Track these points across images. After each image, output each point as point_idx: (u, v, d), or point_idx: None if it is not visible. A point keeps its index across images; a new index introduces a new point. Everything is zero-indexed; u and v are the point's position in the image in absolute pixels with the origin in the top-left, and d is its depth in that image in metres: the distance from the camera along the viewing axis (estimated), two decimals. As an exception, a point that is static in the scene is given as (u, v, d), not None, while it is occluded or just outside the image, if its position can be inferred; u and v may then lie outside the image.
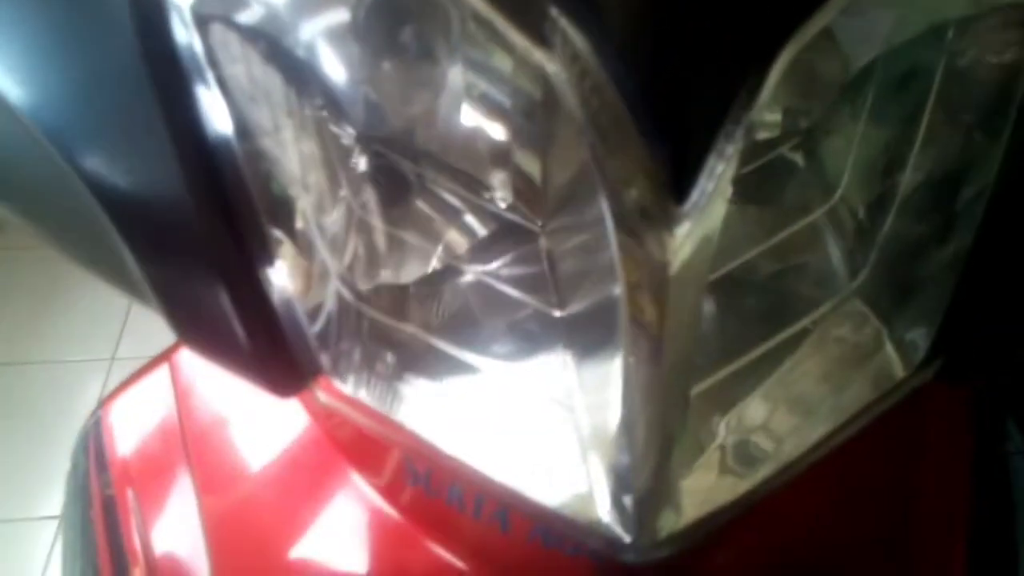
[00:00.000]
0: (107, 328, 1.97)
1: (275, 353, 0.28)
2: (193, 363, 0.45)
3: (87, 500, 0.44)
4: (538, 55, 0.22)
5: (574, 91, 0.22)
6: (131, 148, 0.27)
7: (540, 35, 0.22)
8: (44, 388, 1.83)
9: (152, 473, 0.42)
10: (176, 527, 0.41)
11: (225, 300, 0.27)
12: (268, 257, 0.28)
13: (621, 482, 0.27)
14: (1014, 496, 0.46)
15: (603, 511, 0.28)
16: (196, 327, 0.29)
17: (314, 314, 0.29)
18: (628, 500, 0.27)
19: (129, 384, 0.46)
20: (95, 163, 0.27)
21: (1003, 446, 0.48)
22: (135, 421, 0.44)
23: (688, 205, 0.22)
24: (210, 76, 0.27)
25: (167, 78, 0.26)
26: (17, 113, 0.27)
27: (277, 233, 0.29)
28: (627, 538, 0.27)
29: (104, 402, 0.47)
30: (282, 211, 0.29)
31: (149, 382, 0.45)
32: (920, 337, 0.30)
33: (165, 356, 0.46)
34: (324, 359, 0.29)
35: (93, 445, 0.45)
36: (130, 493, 0.43)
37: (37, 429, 1.74)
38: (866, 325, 0.30)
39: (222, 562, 0.39)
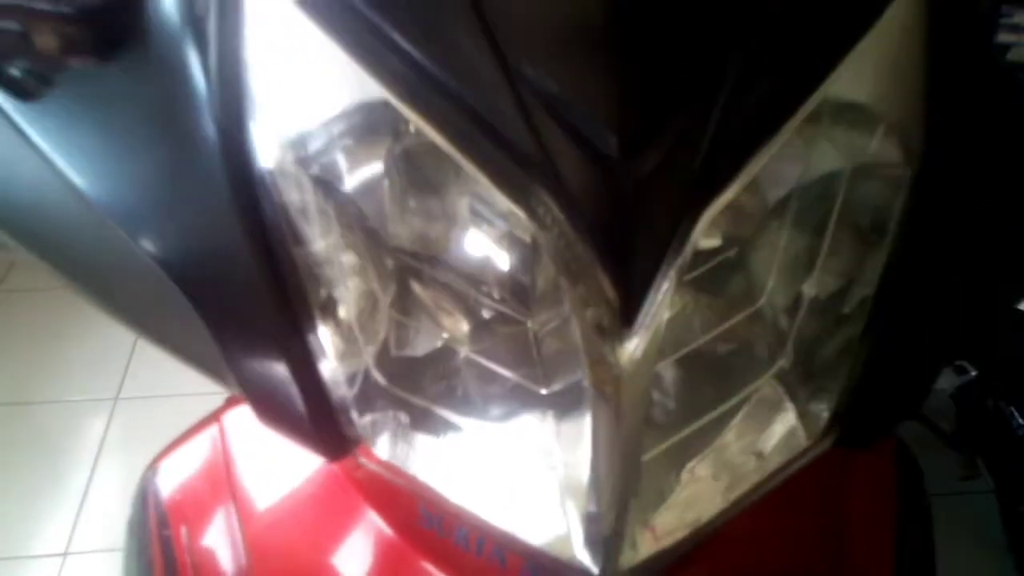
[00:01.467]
0: (111, 368, 2.01)
1: (327, 426, 0.37)
2: (238, 424, 0.53)
3: (147, 539, 0.51)
4: (527, 220, 0.31)
5: (551, 246, 0.31)
6: (218, 258, 0.36)
7: (529, 208, 0.31)
8: (49, 427, 1.86)
9: (203, 514, 0.50)
10: (224, 560, 0.49)
11: (292, 384, 0.36)
12: (321, 348, 0.37)
13: (590, 526, 0.35)
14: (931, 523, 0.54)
15: (577, 549, 0.36)
16: (268, 408, 0.37)
17: (354, 394, 0.37)
18: (595, 541, 0.35)
19: (183, 440, 0.54)
20: (191, 271, 0.35)
21: (922, 485, 0.56)
22: (188, 471, 0.52)
23: (635, 326, 0.31)
24: (278, 205, 0.35)
25: (248, 203, 0.35)
26: (121, 229, 0.36)
27: (325, 328, 0.37)
28: (595, 570, 0.36)
29: (160, 455, 0.55)
30: (329, 310, 0.37)
31: (201, 438, 0.53)
32: (820, 413, 0.38)
33: (214, 417, 0.54)
34: (363, 430, 0.37)
35: (151, 491, 0.53)
36: (184, 531, 0.50)
37: (42, 468, 1.78)
38: (780, 404, 0.39)
39: (266, 590, 0.47)
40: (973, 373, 1.17)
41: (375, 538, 0.46)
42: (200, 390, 1.84)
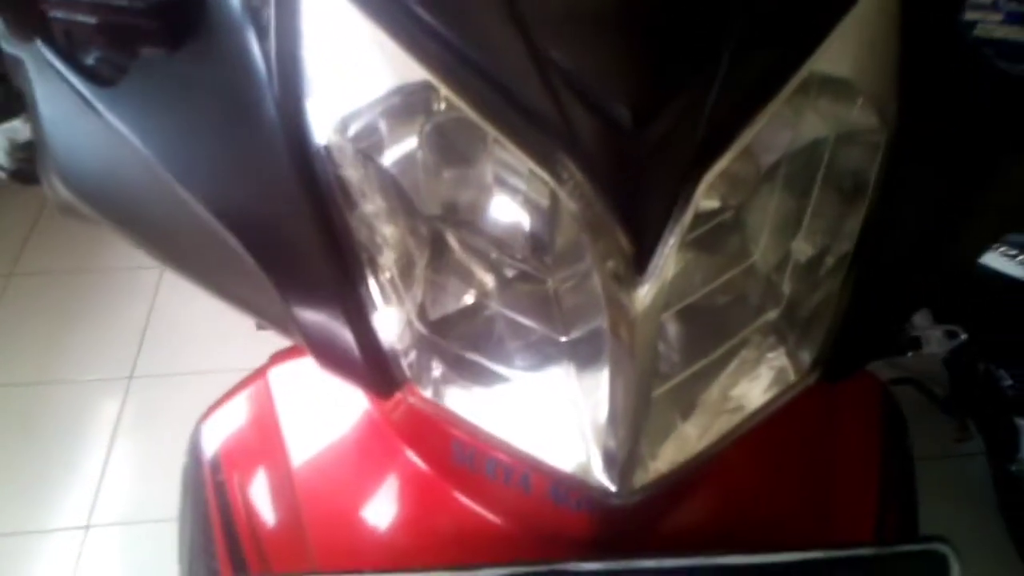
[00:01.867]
0: (124, 348, 2.05)
1: (377, 368, 0.42)
2: (283, 378, 0.58)
3: (201, 486, 0.57)
4: (551, 181, 0.36)
5: (573, 205, 0.36)
6: (281, 223, 0.41)
7: (554, 170, 0.36)
8: (64, 407, 1.90)
9: (254, 460, 0.56)
10: (275, 500, 0.54)
11: (347, 331, 0.41)
12: (372, 299, 0.42)
13: (608, 452, 0.41)
14: (913, 468, 0.60)
15: (597, 472, 0.42)
16: (324, 348, 0.42)
17: (400, 338, 0.42)
18: (612, 464, 0.41)
19: (232, 394, 0.60)
20: (258, 235, 0.40)
21: (907, 438, 0.62)
22: (238, 421, 0.58)
23: (646, 275, 0.36)
24: (331, 175, 0.40)
25: (305, 174, 0.40)
26: (195, 199, 0.41)
27: (374, 282, 0.42)
28: (613, 488, 0.41)
29: (211, 408, 0.60)
30: (377, 267, 0.42)
31: (250, 391, 0.58)
32: (806, 353, 0.43)
33: (260, 373, 0.60)
34: (409, 371, 0.42)
35: (204, 441, 0.58)
36: (236, 476, 0.56)
37: (59, 446, 1.83)
38: (771, 345, 0.44)
39: (315, 525, 0.52)
40: (963, 337, 1.23)
41: (412, 475, 0.51)
42: (212, 367, 1.89)
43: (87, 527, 1.69)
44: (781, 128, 0.41)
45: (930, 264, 0.44)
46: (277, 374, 0.58)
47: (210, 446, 0.58)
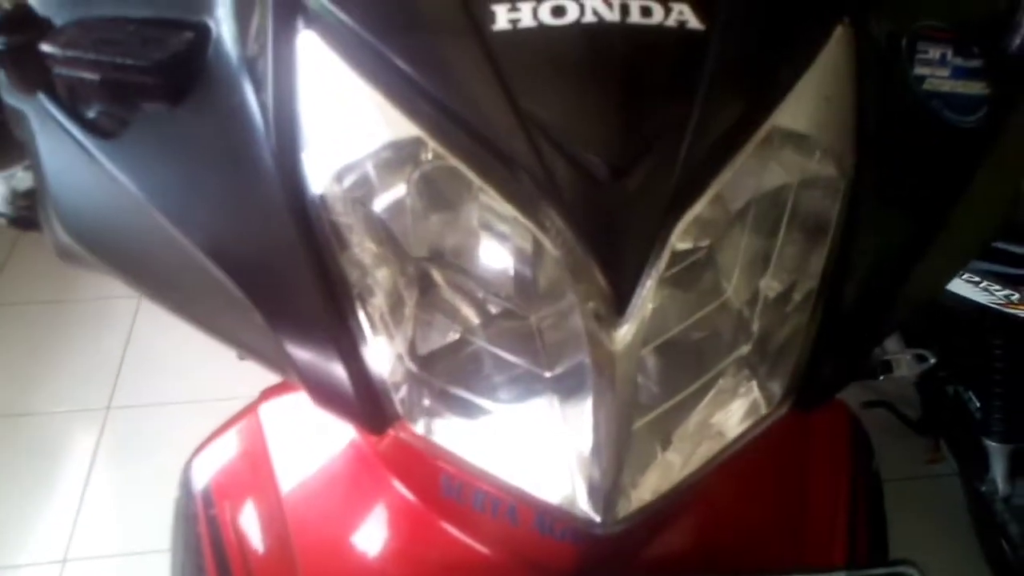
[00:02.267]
0: (101, 379, 2.04)
1: (370, 405, 0.44)
2: (274, 413, 0.60)
3: (193, 520, 0.58)
4: (534, 229, 0.39)
5: (556, 251, 0.38)
6: (278, 268, 0.42)
7: (537, 219, 0.39)
8: (42, 438, 1.89)
9: (245, 493, 0.57)
10: (266, 532, 0.56)
11: (340, 369, 0.43)
12: (364, 339, 0.44)
13: (592, 483, 0.43)
14: (882, 491, 0.63)
15: (582, 503, 0.44)
16: (319, 387, 0.44)
17: (391, 375, 0.44)
18: (597, 495, 0.43)
19: (224, 429, 0.61)
20: (255, 280, 0.42)
21: (873, 462, 0.65)
22: (230, 455, 0.59)
23: (626, 315, 0.39)
24: (326, 222, 0.42)
25: (301, 221, 0.42)
26: (194, 246, 0.42)
27: (366, 322, 0.44)
28: (597, 518, 0.43)
29: (203, 443, 0.61)
30: (369, 307, 0.44)
31: (241, 426, 0.60)
32: (777, 385, 0.46)
33: (251, 409, 0.61)
34: (400, 407, 0.44)
35: (196, 475, 0.60)
36: (228, 509, 0.57)
37: (36, 477, 1.81)
38: (744, 379, 0.47)
39: (305, 555, 0.54)
40: (932, 361, 1.26)
41: (400, 507, 0.53)
42: (191, 397, 1.88)
43: (64, 561, 1.68)
44: (748, 176, 0.43)
45: (890, 297, 0.47)
46: (267, 409, 0.60)
47: (202, 480, 0.59)
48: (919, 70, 0.48)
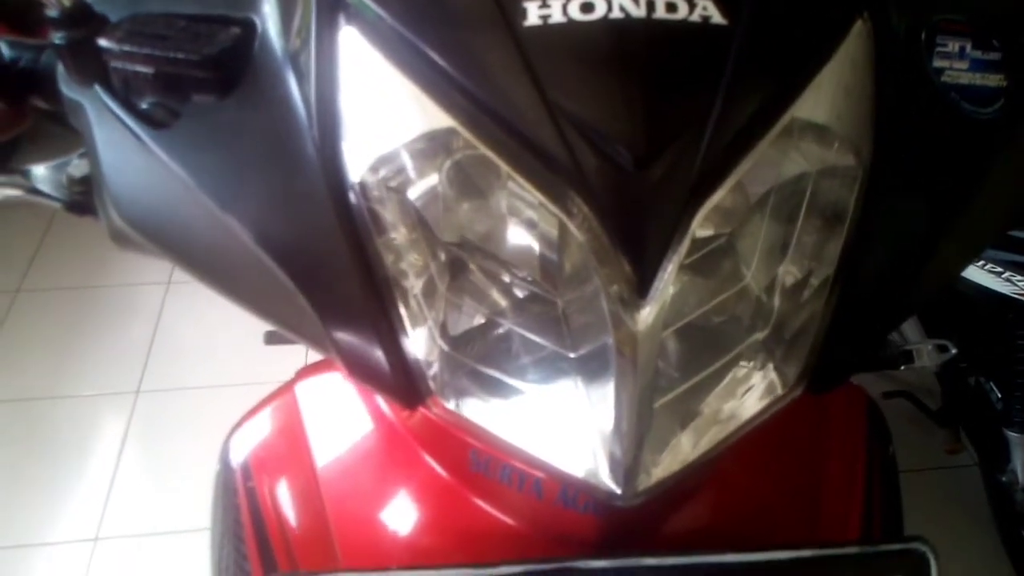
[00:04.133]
0: (130, 363, 2.09)
1: (405, 381, 0.46)
2: (310, 391, 0.63)
3: (233, 492, 0.61)
4: (562, 215, 0.41)
5: (582, 237, 0.41)
6: (320, 251, 0.45)
7: (564, 206, 0.41)
8: (73, 421, 1.94)
9: (283, 467, 0.60)
10: (302, 504, 0.59)
11: (377, 347, 0.45)
12: (400, 319, 0.46)
13: (614, 458, 0.45)
14: (896, 471, 0.65)
15: (604, 476, 0.46)
16: (357, 364, 0.46)
17: (425, 354, 0.47)
18: (618, 469, 0.45)
19: (261, 406, 0.64)
20: (298, 262, 0.45)
21: (890, 447, 0.66)
22: (268, 431, 0.62)
23: (648, 298, 0.41)
24: (365, 208, 0.45)
25: (342, 208, 0.44)
26: (242, 230, 0.45)
27: (402, 302, 0.46)
28: (618, 490, 0.45)
29: (242, 419, 0.64)
30: (404, 288, 0.47)
31: (278, 403, 0.63)
32: (791, 368, 0.48)
33: (288, 387, 0.64)
34: (432, 384, 0.47)
35: (236, 449, 0.63)
36: (266, 482, 0.60)
37: (68, 460, 1.86)
38: (761, 361, 0.48)
39: (339, 525, 0.56)
40: (953, 351, 1.27)
41: (431, 481, 0.56)
42: (218, 382, 1.92)
43: (95, 539, 1.72)
44: (768, 166, 0.45)
45: (905, 285, 0.49)
46: (303, 388, 0.63)
47: (241, 454, 0.62)
48: (937, 63, 0.50)
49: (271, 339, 0.85)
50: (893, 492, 0.65)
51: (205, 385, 2.04)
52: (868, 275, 0.47)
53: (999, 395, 1.55)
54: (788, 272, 0.48)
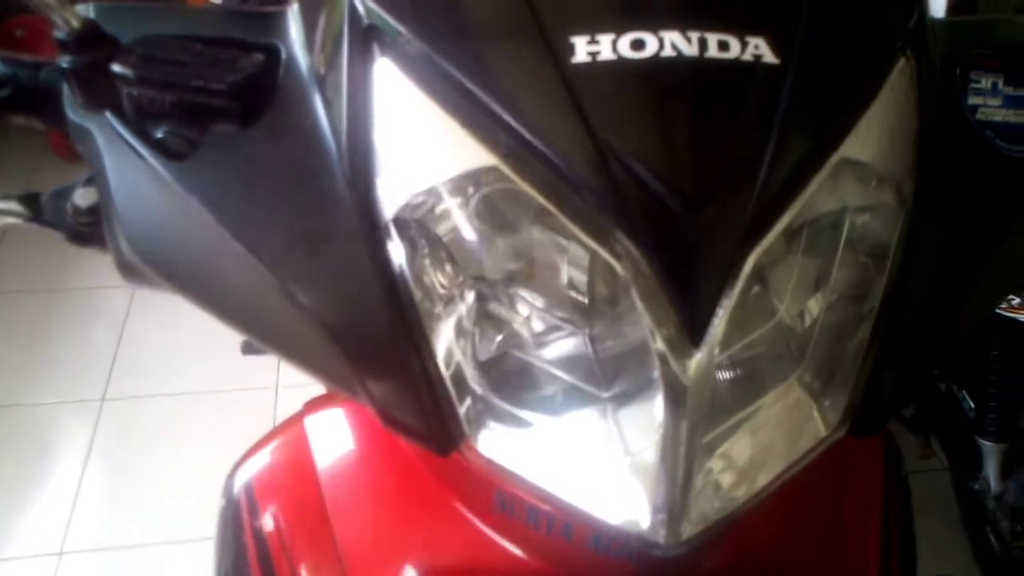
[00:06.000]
0: (96, 370, 2.03)
1: (439, 425, 0.44)
2: (321, 424, 0.60)
3: (240, 530, 0.58)
4: (608, 256, 0.40)
5: (631, 280, 0.39)
6: (350, 291, 0.43)
7: (611, 248, 0.39)
8: (36, 430, 1.89)
9: (293, 505, 0.58)
10: (315, 545, 0.56)
11: (409, 391, 0.43)
12: (434, 361, 0.44)
13: (657, 505, 0.44)
14: (911, 503, 0.65)
15: (644, 524, 0.45)
16: (389, 407, 0.44)
17: (459, 397, 0.45)
18: (662, 515, 0.44)
19: (268, 440, 0.62)
20: (326, 303, 0.43)
21: (903, 468, 0.66)
22: (276, 466, 0.60)
23: (701, 344, 0.39)
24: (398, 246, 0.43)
25: (376, 246, 0.42)
26: (273, 279, 0.43)
27: (436, 345, 0.44)
28: (661, 540, 0.44)
29: (248, 453, 0.62)
30: (440, 330, 0.45)
31: (286, 438, 0.60)
32: (835, 409, 0.47)
33: (296, 420, 0.61)
34: (467, 428, 0.45)
35: (243, 485, 0.60)
36: (275, 520, 0.58)
37: (31, 470, 1.81)
38: (803, 402, 0.48)
39: (354, 567, 0.54)
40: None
41: (452, 520, 0.54)
42: (186, 389, 1.88)
43: (60, 554, 1.67)
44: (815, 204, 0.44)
45: (947, 320, 0.48)
46: (313, 421, 0.60)
47: (247, 490, 0.59)
48: (972, 100, 0.49)
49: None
50: (908, 522, 0.64)
51: (173, 392, 1.99)
52: (912, 312, 0.47)
53: (971, 404, 1.58)
54: (825, 308, 0.47)
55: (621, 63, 0.40)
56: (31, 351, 2.07)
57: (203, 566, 0.64)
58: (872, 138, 0.44)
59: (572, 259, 0.44)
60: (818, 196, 0.45)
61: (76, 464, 1.84)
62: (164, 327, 2.12)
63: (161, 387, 2.01)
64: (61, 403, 1.97)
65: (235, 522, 0.59)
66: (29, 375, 2.01)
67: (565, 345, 0.47)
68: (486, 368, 0.46)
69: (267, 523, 0.57)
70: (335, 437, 0.60)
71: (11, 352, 2.07)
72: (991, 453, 1.56)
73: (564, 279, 0.45)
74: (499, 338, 0.47)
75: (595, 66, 0.40)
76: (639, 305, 0.40)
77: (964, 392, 1.60)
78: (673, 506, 0.43)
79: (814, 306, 0.47)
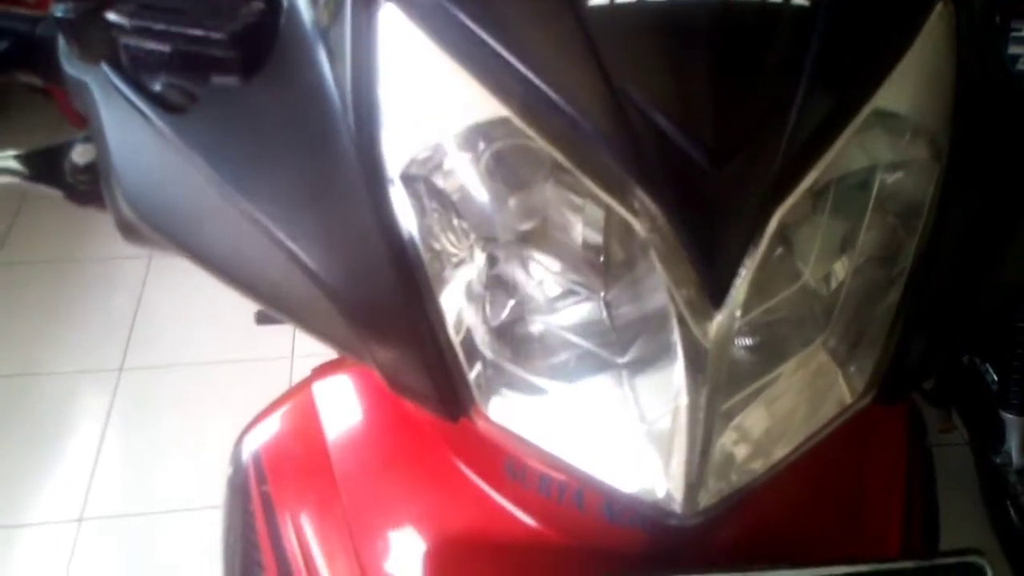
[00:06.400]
0: (113, 340, 2.04)
1: (446, 391, 0.43)
2: (328, 391, 0.59)
3: (247, 498, 0.58)
4: (626, 213, 0.38)
5: (650, 238, 0.37)
6: (353, 250, 0.41)
7: (629, 205, 0.37)
8: (55, 399, 1.90)
9: (300, 471, 0.57)
10: (323, 511, 0.55)
11: (416, 355, 0.42)
12: (441, 323, 0.42)
13: (674, 473, 0.42)
14: (935, 475, 0.63)
15: (660, 492, 0.43)
16: (396, 377, 0.43)
17: (467, 361, 0.43)
18: (679, 483, 0.42)
19: (276, 406, 0.60)
20: (329, 263, 0.41)
21: (926, 439, 0.64)
22: (284, 433, 0.59)
23: (722, 306, 0.37)
24: (404, 202, 0.41)
25: (381, 203, 0.41)
26: (267, 224, 0.41)
27: (444, 306, 0.43)
28: (678, 509, 0.42)
29: (255, 419, 0.61)
30: (448, 291, 0.43)
31: (294, 404, 0.59)
32: (861, 376, 0.45)
33: (304, 386, 0.60)
34: (476, 393, 0.43)
35: (249, 451, 0.59)
36: (282, 487, 0.57)
37: (50, 438, 1.82)
38: (828, 368, 0.46)
39: (362, 534, 0.53)
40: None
41: (462, 489, 0.53)
42: (203, 359, 1.89)
43: (80, 520, 1.69)
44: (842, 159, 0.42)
45: (980, 284, 0.46)
46: (320, 387, 0.59)
47: (255, 457, 0.58)
48: (1013, 49, 0.47)
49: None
50: (931, 494, 0.63)
51: (190, 362, 2.00)
52: (942, 274, 0.44)
53: (995, 377, 1.55)
54: (853, 270, 0.45)
55: (641, 6, 0.38)
56: (50, 321, 2.07)
57: (219, 533, 0.64)
58: (908, 87, 0.41)
59: (587, 219, 0.42)
60: (848, 151, 0.42)
61: (95, 432, 1.86)
62: (181, 297, 2.12)
63: (179, 357, 2.02)
64: (80, 372, 1.98)
65: (243, 490, 0.58)
66: (49, 345, 2.01)
67: (579, 310, 0.45)
68: (497, 333, 0.44)
69: (275, 491, 0.56)
70: (343, 403, 0.58)
71: (31, 322, 2.07)
72: (1014, 426, 1.54)
73: (579, 240, 0.43)
74: (511, 302, 0.45)
75: (613, 9, 0.38)
76: (657, 265, 0.38)
77: (987, 365, 1.58)
78: (691, 475, 0.41)
79: (840, 269, 0.45)
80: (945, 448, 1.80)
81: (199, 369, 1.99)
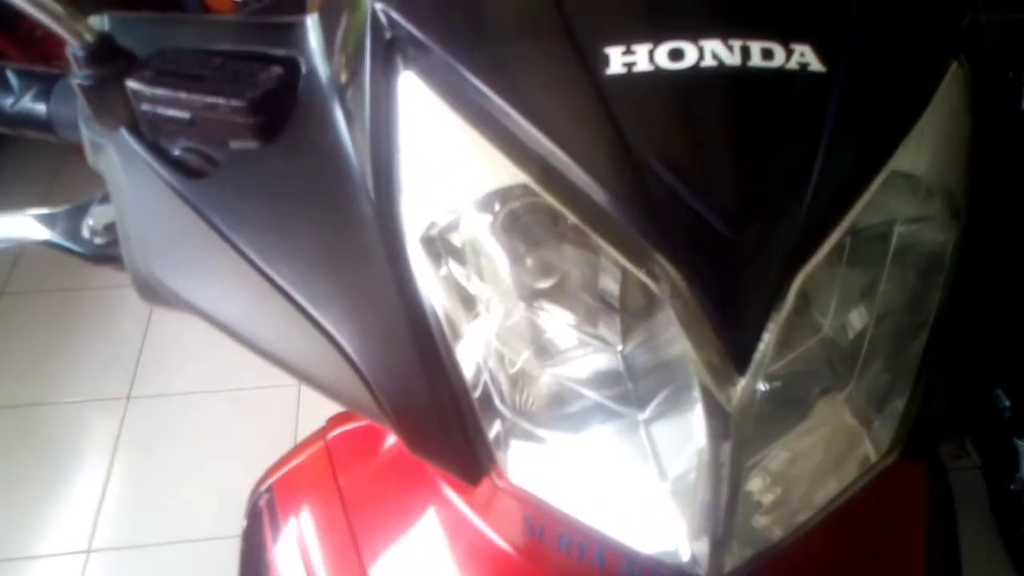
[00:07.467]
0: (121, 368, 2.04)
1: (467, 452, 0.42)
2: (343, 443, 0.59)
3: (263, 550, 0.57)
4: (647, 279, 0.37)
5: (671, 303, 0.37)
6: (375, 315, 0.41)
7: (650, 271, 0.37)
8: (63, 428, 1.90)
9: (317, 525, 0.56)
10: (340, 568, 0.55)
11: (436, 415, 0.41)
12: (462, 385, 0.42)
13: (698, 536, 0.42)
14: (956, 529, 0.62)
15: (685, 555, 0.42)
16: (417, 439, 0.42)
17: (488, 423, 0.43)
18: (704, 546, 0.42)
19: (290, 458, 0.60)
20: (353, 331, 0.41)
21: (947, 483, 0.63)
22: (300, 485, 0.58)
23: (746, 370, 0.37)
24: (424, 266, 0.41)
25: (402, 267, 0.41)
26: (293, 300, 0.41)
27: (465, 368, 0.43)
28: (702, 573, 0.42)
29: (271, 471, 0.60)
30: (468, 353, 0.43)
31: (309, 455, 0.59)
32: (886, 432, 0.45)
33: (319, 436, 0.60)
34: (496, 456, 0.43)
35: (266, 504, 0.59)
36: (300, 541, 0.56)
37: (58, 468, 1.82)
38: (850, 424, 0.45)
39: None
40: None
41: (481, 547, 0.52)
42: (211, 387, 1.88)
43: (88, 551, 1.68)
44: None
45: (1004, 339, 0.45)
46: (336, 439, 0.59)
47: (270, 510, 0.58)
48: (1025, 105, 0.47)
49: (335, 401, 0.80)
50: (952, 543, 0.62)
51: (198, 390, 1.99)
52: (966, 329, 0.44)
53: (1007, 404, 1.54)
54: (873, 321, 0.44)
55: (659, 74, 0.38)
56: (57, 350, 2.07)
57: (229, 564, 0.63)
58: (925, 149, 0.41)
59: (604, 273, 0.42)
60: (866, 210, 0.42)
61: (103, 462, 1.85)
62: (188, 325, 2.11)
63: (186, 385, 2.01)
64: (87, 401, 1.98)
65: (258, 544, 0.58)
66: (55, 374, 2.01)
67: (596, 362, 0.45)
68: (514, 389, 0.44)
69: (292, 547, 0.56)
70: (359, 456, 0.58)
71: (37, 351, 2.07)
72: (1029, 454, 1.53)
73: (595, 295, 0.43)
74: (526, 354, 0.45)
75: (631, 78, 0.38)
76: (678, 329, 0.38)
77: (1000, 391, 1.57)
78: (715, 536, 0.41)
79: (859, 320, 0.45)
80: (956, 472, 1.78)
81: (207, 397, 1.98)
